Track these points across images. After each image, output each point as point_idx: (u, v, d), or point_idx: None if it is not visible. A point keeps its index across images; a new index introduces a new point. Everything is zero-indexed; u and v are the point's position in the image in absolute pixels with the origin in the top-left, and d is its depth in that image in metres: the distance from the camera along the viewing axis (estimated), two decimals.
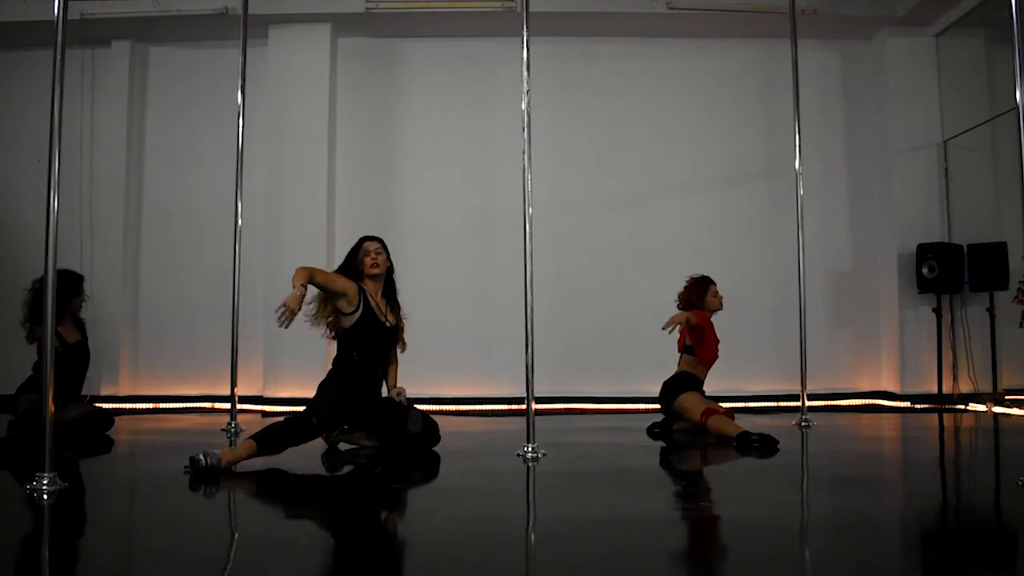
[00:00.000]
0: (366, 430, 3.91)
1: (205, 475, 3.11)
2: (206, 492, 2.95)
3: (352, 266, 3.77)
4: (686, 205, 6.82)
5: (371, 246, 3.78)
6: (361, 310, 3.66)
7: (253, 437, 3.33)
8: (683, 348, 4.65)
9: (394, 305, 3.85)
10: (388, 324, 3.75)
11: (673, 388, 4.53)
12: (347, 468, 3.56)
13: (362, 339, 3.67)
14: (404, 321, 3.87)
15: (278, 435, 3.38)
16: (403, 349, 3.90)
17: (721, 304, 4.68)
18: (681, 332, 4.63)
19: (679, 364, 4.66)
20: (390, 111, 6.86)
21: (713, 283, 4.68)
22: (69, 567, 2.02)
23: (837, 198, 6.87)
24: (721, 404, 4.46)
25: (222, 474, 3.14)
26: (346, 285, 3.64)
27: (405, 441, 3.77)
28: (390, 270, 3.86)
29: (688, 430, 4.56)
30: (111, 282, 6.61)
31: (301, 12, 6.50)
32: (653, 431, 4.62)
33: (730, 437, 4.10)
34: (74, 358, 4.62)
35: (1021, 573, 2.01)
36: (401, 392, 3.83)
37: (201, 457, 3.14)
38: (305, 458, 3.52)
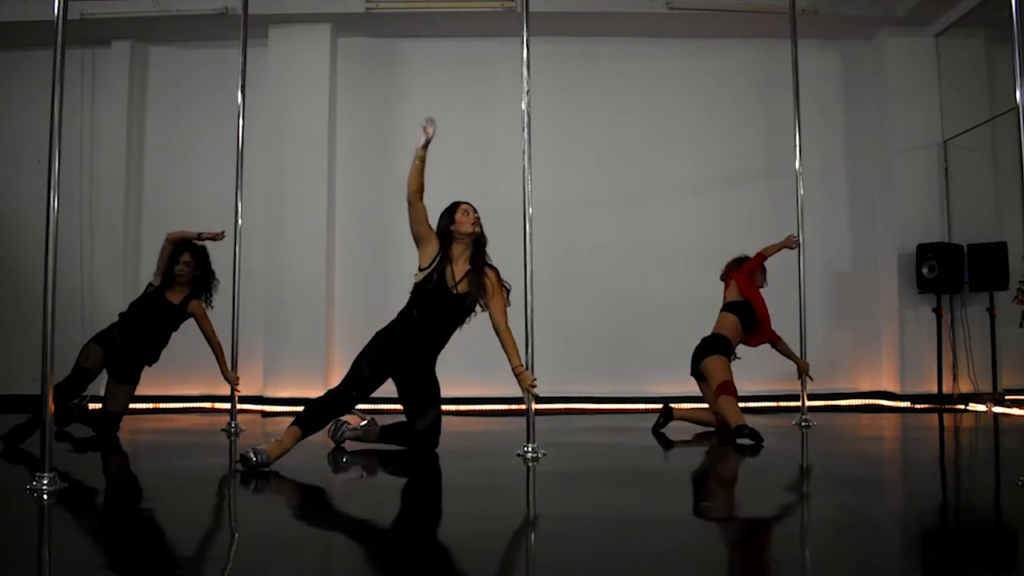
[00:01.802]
0: (397, 385, 3.76)
1: (255, 472, 3.14)
2: (206, 492, 2.95)
3: (445, 226, 3.67)
4: (686, 205, 6.81)
5: (466, 205, 3.70)
6: (433, 267, 3.57)
7: (296, 424, 3.33)
8: (729, 307, 4.62)
9: (476, 277, 3.60)
10: (456, 292, 3.56)
11: (706, 349, 4.52)
12: (349, 468, 3.57)
13: (425, 299, 3.58)
14: (501, 296, 3.66)
15: (321, 412, 3.41)
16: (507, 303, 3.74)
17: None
18: (731, 281, 4.66)
19: (718, 323, 4.64)
20: (390, 111, 6.85)
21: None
22: (69, 567, 2.02)
23: (837, 198, 6.87)
24: None
25: (225, 474, 3.14)
26: (429, 234, 3.59)
27: (407, 432, 3.78)
28: (482, 243, 3.70)
29: (688, 420, 4.61)
30: (111, 282, 6.60)
31: (301, 12, 6.50)
32: (658, 430, 4.60)
33: (729, 424, 4.12)
34: (161, 314, 4.46)
35: (1021, 573, 2.01)
36: (534, 384, 3.66)
37: (251, 455, 3.16)
38: (308, 458, 3.52)
